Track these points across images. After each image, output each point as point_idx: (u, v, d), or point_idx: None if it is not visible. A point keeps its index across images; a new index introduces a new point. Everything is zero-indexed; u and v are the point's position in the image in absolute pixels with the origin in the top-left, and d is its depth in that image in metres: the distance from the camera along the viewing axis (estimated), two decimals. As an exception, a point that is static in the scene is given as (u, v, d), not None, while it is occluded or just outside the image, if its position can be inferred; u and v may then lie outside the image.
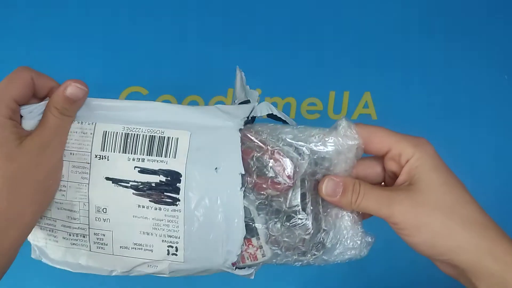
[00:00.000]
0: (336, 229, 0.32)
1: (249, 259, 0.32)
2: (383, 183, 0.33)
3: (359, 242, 0.32)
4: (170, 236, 0.29)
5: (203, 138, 0.30)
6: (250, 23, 0.65)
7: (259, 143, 0.30)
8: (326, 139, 0.30)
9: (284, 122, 0.33)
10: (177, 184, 0.29)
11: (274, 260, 0.32)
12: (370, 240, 0.32)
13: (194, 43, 0.64)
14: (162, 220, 0.29)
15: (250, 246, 0.31)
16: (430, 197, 0.29)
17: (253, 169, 0.30)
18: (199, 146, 0.29)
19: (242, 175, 0.29)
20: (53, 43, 0.63)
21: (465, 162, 0.64)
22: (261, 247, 0.31)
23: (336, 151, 0.30)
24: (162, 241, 0.30)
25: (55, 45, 0.63)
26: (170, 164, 0.29)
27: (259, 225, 0.31)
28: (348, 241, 0.32)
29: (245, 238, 0.30)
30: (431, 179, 0.30)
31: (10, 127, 0.28)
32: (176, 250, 0.30)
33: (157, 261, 0.30)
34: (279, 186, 0.30)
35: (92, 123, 0.30)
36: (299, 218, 0.31)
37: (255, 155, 0.30)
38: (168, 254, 0.30)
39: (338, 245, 0.32)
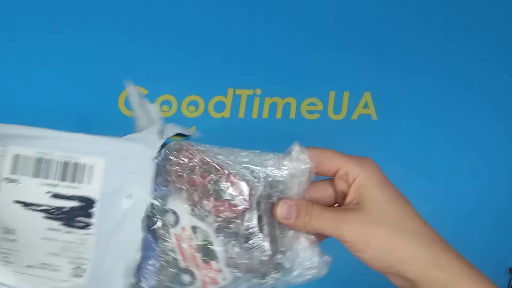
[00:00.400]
0: (293, 250, 0.32)
1: (211, 284, 0.32)
2: (336, 204, 0.35)
3: (316, 262, 0.33)
4: (79, 258, 0.30)
5: (118, 165, 0.31)
6: (250, 23, 0.65)
7: (216, 166, 0.31)
8: (281, 163, 0.31)
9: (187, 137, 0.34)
10: (90, 209, 0.30)
11: (235, 285, 0.32)
12: (327, 259, 0.33)
13: (194, 43, 0.64)
14: (73, 243, 0.30)
15: (210, 269, 0.31)
16: (376, 214, 0.31)
17: (210, 192, 0.31)
18: (114, 172, 0.30)
19: (151, 203, 0.31)
20: (53, 43, 0.63)
21: (465, 162, 0.64)
22: (221, 270, 0.31)
23: (290, 175, 0.32)
24: (70, 262, 0.30)
25: (55, 45, 0.63)
26: (84, 190, 0.30)
27: (218, 248, 0.31)
28: (306, 262, 0.32)
29: (204, 261, 0.31)
30: (376, 197, 0.31)
31: None
32: (83, 272, 0.30)
33: (62, 281, 0.30)
34: (235, 208, 0.31)
35: (4, 146, 0.30)
36: (256, 240, 0.31)
37: (212, 178, 0.31)
38: (74, 275, 0.30)
39: (296, 265, 0.32)
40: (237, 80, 0.63)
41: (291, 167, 0.32)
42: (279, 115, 0.63)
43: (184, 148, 0.32)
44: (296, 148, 0.32)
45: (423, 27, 0.67)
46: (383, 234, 0.30)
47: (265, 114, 0.63)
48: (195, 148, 0.32)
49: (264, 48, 0.65)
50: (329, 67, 0.65)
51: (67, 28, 0.63)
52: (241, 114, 0.63)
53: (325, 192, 0.35)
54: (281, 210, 0.31)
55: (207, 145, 0.32)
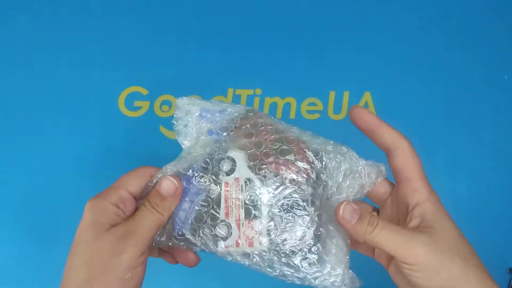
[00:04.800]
0: (329, 248, 0.32)
1: (245, 243, 0.31)
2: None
3: (341, 271, 0.32)
4: None
5: None
6: (250, 23, 0.65)
7: (288, 136, 0.32)
8: (357, 173, 0.33)
9: None
10: None
11: (266, 258, 0.31)
12: (355, 280, 0.33)
13: (194, 43, 0.64)
14: None
15: (250, 229, 0.31)
16: (450, 243, 0.30)
17: (276, 149, 0.31)
18: None
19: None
20: (53, 42, 0.63)
21: (465, 162, 0.64)
22: (260, 233, 0.31)
23: (360, 185, 0.33)
24: None
25: (55, 45, 0.63)
26: None
27: (265, 208, 0.31)
28: (334, 267, 0.32)
29: (247, 218, 0.30)
30: (447, 226, 0.31)
31: (110, 212, 0.31)
32: None
33: None
34: (296, 172, 0.31)
35: None
36: (303, 213, 0.31)
37: (281, 137, 0.32)
38: None
39: (327, 263, 0.32)
40: (237, 80, 0.63)
41: (365, 183, 0.33)
42: (279, 115, 0.63)
43: (263, 114, 0.33)
44: (381, 173, 0.33)
45: (423, 27, 0.67)
46: (457, 265, 0.29)
47: (265, 114, 0.63)
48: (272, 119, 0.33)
49: (264, 48, 0.65)
50: (329, 67, 0.65)
51: (67, 28, 0.63)
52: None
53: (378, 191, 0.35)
54: (344, 210, 0.30)
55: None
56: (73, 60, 0.63)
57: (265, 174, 0.31)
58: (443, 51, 0.66)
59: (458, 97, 0.65)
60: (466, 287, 0.28)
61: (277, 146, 0.31)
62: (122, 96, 0.62)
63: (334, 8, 0.66)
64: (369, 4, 0.67)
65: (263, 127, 0.32)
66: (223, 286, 0.59)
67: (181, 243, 0.32)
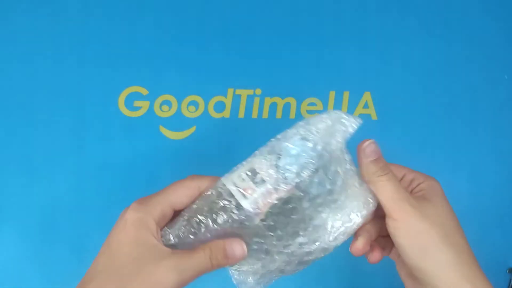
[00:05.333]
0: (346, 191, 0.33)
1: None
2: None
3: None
4: None
5: None
6: (250, 23, 0.65)
7: None
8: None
9: None
10: None
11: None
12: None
13: (194, 43, 0.64)
14: None
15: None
16: (437, 216, 0.32)
17: None
18: None
19: None
20: (52, 42, 0.63)
21: (465, 162, 0.64)
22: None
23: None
24: None
25: (54, 45, 0.63)
26: None
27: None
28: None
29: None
30: (441, 204, 0.33)
31: (152, 231, 0.30)
32: None
33: None
34: None
35: None
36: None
37: None
38: None
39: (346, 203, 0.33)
40: (237, 80, 0.63)
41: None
42: (279, 115, 0.63)
43: None
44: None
45: (423, 27, 0.67)
46: (437, 233, 0.31)
47: (265, 114, 0.63)
48: None
49: (264, 48, 0.65)
50: (329, 67, 0.65)
51: (66, 27, 0.63)
52: (241, 114, 0.63)
53: None
54: (367, 145, 0.34)
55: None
56: (72, 60, 0.63)
57: None
58: (443, 51, 0.66)
59: (458, 97, 0.65)
60: (440, 255, 0.30)
61: None
62: (122, 96, 0.62)
63: (334, 8, 0.66)
64: (369, 4, 0.67)
65: None
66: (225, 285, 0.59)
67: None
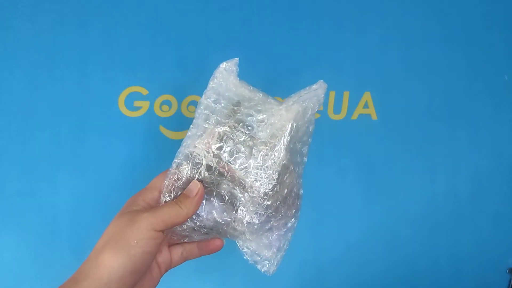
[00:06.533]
0: None
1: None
2: None
3: None
4: None
5: None
6: (249, 23, 0.65)
7: None
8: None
9: None
10: None
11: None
12: None
13: (194, 43, 0.64)
14: None
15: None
16: None
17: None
18: None
19: None
20: (52, 42, 0.63)
21: (465, 162, 0.64)
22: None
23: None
24: None
25: (55, 45, 0.63)
26: None
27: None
28: None
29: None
30: None
31: (138, 204, 0.40)
32: None
33: None
34: None
35: None
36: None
37: None
38: None
39: None
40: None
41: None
42: (279, 115, 0.63)
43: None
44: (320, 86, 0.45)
45: (423, 27, 0.67)
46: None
47: (265, 114, 0.63)
48: None
49: (264, 48, 0.65)
50: (329, 67, 0.65)
51: (66, 27, 0.63)
52: (241, 114, 0.63)
53: None
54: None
55: None
56: (73, 60, 0.63)
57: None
58: (443, 51, 0.66)
59: (458, 97, 0.65)
60: None
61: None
62: (122, 96, 0.62)
63: (334, 8, 0.66)
64: (369, 4, 0.67)
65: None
66: (222, 287, 0.59)
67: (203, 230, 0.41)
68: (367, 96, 0.64)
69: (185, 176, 0.39)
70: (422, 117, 0.64)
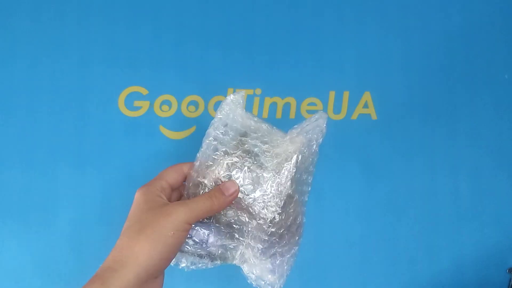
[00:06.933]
0: None
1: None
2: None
3: None
4: None
5: None
6: (250, 23, 0.65)
7: None
8: None
9: None
10: None
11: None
12: None
13: (194, 43, 0.64)
14: None
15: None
16: None
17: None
18: None
19: None
20: (52, 42, 0.63)
21: (465, 162, 0.64)
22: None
23: None
24: None
25: (55, 45, 0.63)
26: None
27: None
28: None
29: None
30: None
31: (156, 195, 0.39)
32: None
33: None
34: None
35: None
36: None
37: None
38: None
39: None
40: (237, 80, 0.63)
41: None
42: (279, 115, 0.63)
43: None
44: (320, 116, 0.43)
45: (423, 27, 0.67)
46: None
47: (265, 114, 0.63)
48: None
49: (264, 48, 0.65)
50: (329, 67, 0.65)
51: (66, 27, 0.63)
52: (241, 114, 0.63)
53: None
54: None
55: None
56: (73, 60, 0.63)
57: None
58: (443, 50, 0.66)
59: (458, 97, 0.65)
60: None
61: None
62: (122, 96, 0.62)
63: (334, 8, 0.66)
64: (369, 4, 0.67)
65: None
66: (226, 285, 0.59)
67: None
68: (367, 96, 0.64)
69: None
70: (422, 117, 0.64)
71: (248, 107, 0.63)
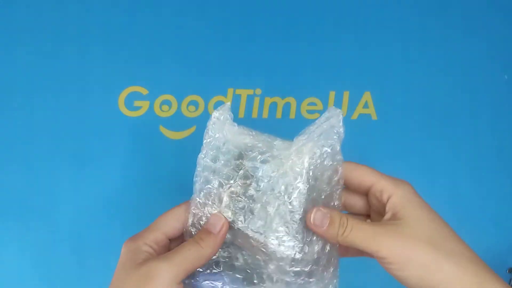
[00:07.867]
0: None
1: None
2: (369, 220, 0.35)
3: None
4: None
5: None
6: (250, 23, 0.65)
7: None
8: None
9: None
10: None
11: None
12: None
13: (194, 42, 0.64)
14: None
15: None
16: (418, 231, 0.30)
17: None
18: None
19: None
20: (53, 42, 0.63)
21: (465, 162, 0.64)
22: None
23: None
24: None
25: (55, 45, 0.63)
26: None
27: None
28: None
29: None
30: (418, 215, 0.31)
31: (142, 251, 0.31)
32: None
33: None
34: None
35: None
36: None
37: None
38: None
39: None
40: (237, 80, 0.63)
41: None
42: (279, 115, 0.63)
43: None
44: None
45: (423, 27, 0.67)
46: (427, 252, 0.29)
47: (265, 114, 0.63)
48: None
49: (264, 48, 0.65)
50: (329, 67, 0.65)
51: (66, 28, 0.63)
52: (241, 114, 0.63)
53: (357, 203, 0.35)
54: (314, 217, 0.31)
55: None
56: (73, 60, 0.63)
57: None
58: (443, 50, 0.66)
59: (458, 97, 0.65)
60: (439, 275, 0.29)
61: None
62: (122, 96, 0.62)
63: (334, 8, 0.66)
64: (369, 3, 0.67)
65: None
66: None
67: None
68: (367, 96, 0.64)
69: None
70: (422, 117, 0.64)
71: (248, 107, 0.63)
